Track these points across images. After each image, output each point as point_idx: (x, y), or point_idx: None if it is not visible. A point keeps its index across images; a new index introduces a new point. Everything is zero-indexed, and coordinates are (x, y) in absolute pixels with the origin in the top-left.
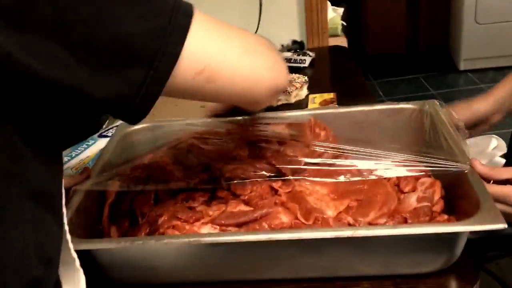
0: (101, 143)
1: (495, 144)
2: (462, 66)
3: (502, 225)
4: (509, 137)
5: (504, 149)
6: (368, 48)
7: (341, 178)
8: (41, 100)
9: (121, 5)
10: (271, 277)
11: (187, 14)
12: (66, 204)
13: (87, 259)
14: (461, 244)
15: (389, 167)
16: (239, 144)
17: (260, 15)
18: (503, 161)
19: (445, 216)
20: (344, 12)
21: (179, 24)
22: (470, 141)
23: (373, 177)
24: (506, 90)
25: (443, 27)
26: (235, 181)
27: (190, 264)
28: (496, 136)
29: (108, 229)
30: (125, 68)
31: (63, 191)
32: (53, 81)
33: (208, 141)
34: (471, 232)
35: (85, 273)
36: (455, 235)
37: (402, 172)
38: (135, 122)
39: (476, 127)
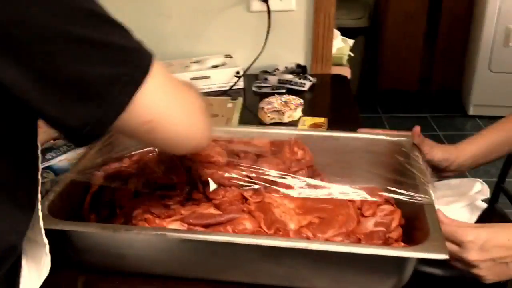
0: None
1: (479, 188)
2: (472, 111)
3: (444, 256)
4: (494, 185)
5: (487, 194)
6: (381, 81)
7: (294, 193)
8: None
9: (94, 47)
10: (231, 279)
11: (146, 69)
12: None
13: (62, 240)
14: (408, 270)
15: (354, 190)
16: (220, 152)
17: (267, 35)
18: (484, 205)
19: (402, 244)
20: (361, 44)
21: (137, 77)
22: (455, 182)
23: (337, 195)
24: (480, 144)
25: (457, 71)
26: (210, 185)
27: (156, 257)
28: (481, 181)
29: (88, 216)
30: (78, 103)
31: (39, 181)
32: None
33: None
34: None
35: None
36: (401, 260)
37: (363, 195)
38: (79, 147)
39: (444, 168)
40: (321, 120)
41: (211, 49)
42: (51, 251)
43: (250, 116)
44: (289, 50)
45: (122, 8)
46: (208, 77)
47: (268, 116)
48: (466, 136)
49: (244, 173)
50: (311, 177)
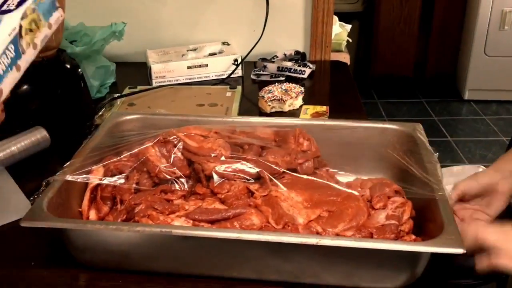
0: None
1: None
2: (467, 95)
3: (461, 250)
4: None
5: None
6: (375, 67)
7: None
8: None
9: None
10: (237, 275)
11: None
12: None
13: (63, 239)
14: (422, 264)
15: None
16: (223, 144)
17: (265, 21)
18: None
19: (413, 236)
20: (355, 29)
21: None
22: (458, 169)
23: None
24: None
25: (452, 55)
26: (214, 179)
27: (160, 254)
28: (483, 167)
29: (88, 212)
30: None
31: None
32: None
33: (195, 137)
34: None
35: (59, 254)
36: (415, 254)
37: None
38: None
39: (484, 197)
40: (323, 108)
41: (208, 36)
42: (52, 250)
43: (250, 105)
44: (287, 37)
45: None
46: (205, 66)
47: (269, 105)
48: (461, 121)
49: (249, 165)
50: (317, 168)
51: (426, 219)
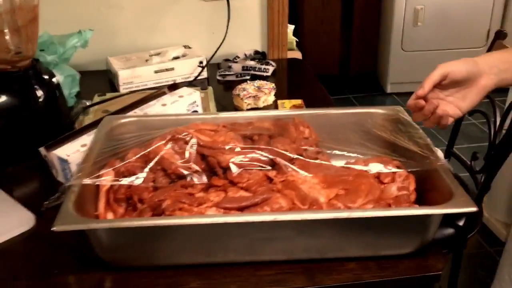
0: None
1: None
2: (389, 89)
3: (474, 209)
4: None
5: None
6: None
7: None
8: None
9: None
10: (268, 259)
11: None
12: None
13: (88, 242)
14: (435, 227)
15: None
16: (235, 136)
17: (228, 23)
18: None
19: (417, 206)
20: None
21: None
22: None
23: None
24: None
25: (372, 52)
26: (232, 170)
27: (192, 246)
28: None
29: (105, 215)
30: None
31: None
32: None
33: (205, 132)
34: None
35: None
36: (430, 219)
37: (382, 168)
38: None
39: (461, 89)
40: (298, 101)
41: (167, 41)
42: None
43: (225, 104)
44: (246, 38)
45: (73, 2)
46: (172, 69)
47: (245, 103)
48: None
49: (263, 154)
50: (319, 153)
51: (427, 189)
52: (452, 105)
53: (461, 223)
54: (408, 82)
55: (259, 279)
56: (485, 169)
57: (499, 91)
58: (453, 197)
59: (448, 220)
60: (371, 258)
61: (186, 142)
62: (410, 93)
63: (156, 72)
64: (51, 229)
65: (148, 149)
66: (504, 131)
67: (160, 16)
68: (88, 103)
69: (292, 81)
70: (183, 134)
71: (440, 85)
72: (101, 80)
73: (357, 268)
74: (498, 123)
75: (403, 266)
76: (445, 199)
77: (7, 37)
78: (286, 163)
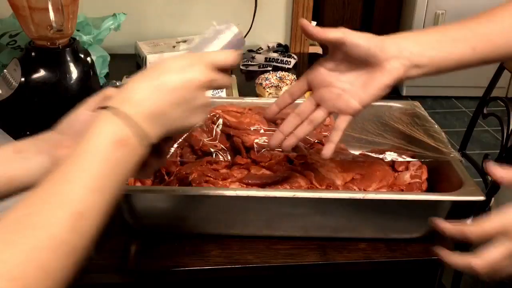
0: None
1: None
2: (405, 91)
3: (482, 197)
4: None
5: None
6: None
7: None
8: None
9: None
10: (284, 234)
11: None
12: None
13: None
14: (444, 213)
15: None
16: (260, 119)
17: (254, 16)
18: None
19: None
20: None
21: None
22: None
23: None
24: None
25: None
26: (256, 150)
27: (215, 216)
28: None
29: (134, 185)
30: None
31: None
32: None
33: (232, 113)
34: None
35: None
36: (440, 205)
37: (397, 157)
38: None
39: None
40: None
41: (194, 29)
42: None
43: (246, 92)
44: (270, 30)
45: None
46: None
47: (267, 92)
48: None
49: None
50: None
51: (439, 180)
52: (348, 96)
53: (469, 221)
54: (424, 86)
55: (275, 252)
56: None
57: None
58: (462, 186)
59: (457, 213)
60: (381, 240)
61: (214, 122)
62: (425, 97)
63: None
64: None
65: None
66: None
67: (189, 5)
68: (118, 84)
69: None
70: (211, 114)
71: (334, 61)
72: (128, 63)
73: (367, 248)
74: (511, 125)
75: (411, 249)
76: (455, 190)
77: (51, 14)
78: (306, 146)
